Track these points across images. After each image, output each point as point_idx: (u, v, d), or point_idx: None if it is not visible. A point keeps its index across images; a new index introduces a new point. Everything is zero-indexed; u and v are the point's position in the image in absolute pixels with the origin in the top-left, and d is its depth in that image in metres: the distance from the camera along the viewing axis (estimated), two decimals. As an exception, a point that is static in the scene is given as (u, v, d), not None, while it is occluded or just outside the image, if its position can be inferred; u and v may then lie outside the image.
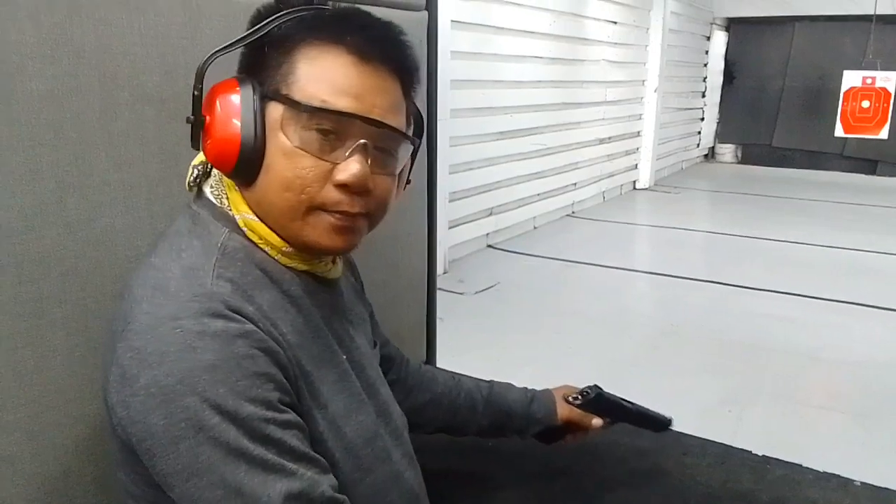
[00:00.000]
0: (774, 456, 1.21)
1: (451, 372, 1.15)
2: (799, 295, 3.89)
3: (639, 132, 7.20)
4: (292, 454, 0.63)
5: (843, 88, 5.50)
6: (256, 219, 0.73)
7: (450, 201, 4.39)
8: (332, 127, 0.69)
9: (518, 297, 3.96)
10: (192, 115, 0.73)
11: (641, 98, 7.11)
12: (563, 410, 1.11)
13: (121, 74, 0.89)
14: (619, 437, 1.23)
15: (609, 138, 6.53)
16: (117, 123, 0.89)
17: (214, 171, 0.77)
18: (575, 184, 6.06)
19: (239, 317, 0.65)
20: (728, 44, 9.33)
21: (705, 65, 8.92)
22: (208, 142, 0.72)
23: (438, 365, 1.67)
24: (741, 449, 1.23)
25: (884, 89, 5.33)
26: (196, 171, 0.77)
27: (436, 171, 1.58)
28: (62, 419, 0.89)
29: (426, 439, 1.03)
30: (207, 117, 0.72)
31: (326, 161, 0.70)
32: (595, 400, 1.08)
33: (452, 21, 4.04)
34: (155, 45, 0.93)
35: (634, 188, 7.33)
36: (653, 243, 5.61)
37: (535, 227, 5.53)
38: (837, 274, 4.37)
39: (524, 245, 5.04)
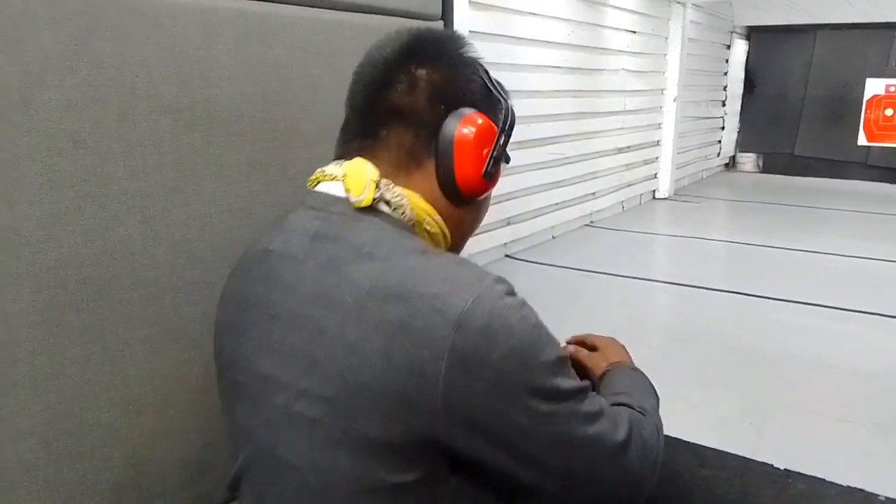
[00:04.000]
0: (796, 469, 1.18)
1: None
2: (820, 305, 3.83)
3: (658, 141, 7.15)
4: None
5: (866, 97, 5.42)
6: (441, 219, 0.87)
7: (467, 211, 4.37)
8: None
9: (536, 307, 3.87)
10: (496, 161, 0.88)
11: (661, 107, 7.07)
12: None
13: (139, 85, 0.90)
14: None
15: (628, 147, 6.49)
16: (135, 133, 0.91)
17: (391, 185, 0.82)
18: (594, 193, 6.02)
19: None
20: (748, 52, 9.26)
21: (725, 73, 8.85)
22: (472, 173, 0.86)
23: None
24: (761, 462, 1.21)
25: (908, 97, 5.25)
26: (382, 186, 0.81)
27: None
28: (78, 427, 0.90)
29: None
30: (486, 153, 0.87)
31: None
32: None
33: (470, 31, 4.05)
34: (172, 57, 0.94)
35: (654, 198, 7.27)
36: (672, 253, 5.56)
37: (553, 237, 5.50)
38: (859, 284, 4.29)
39: (542, 255, 5.01)
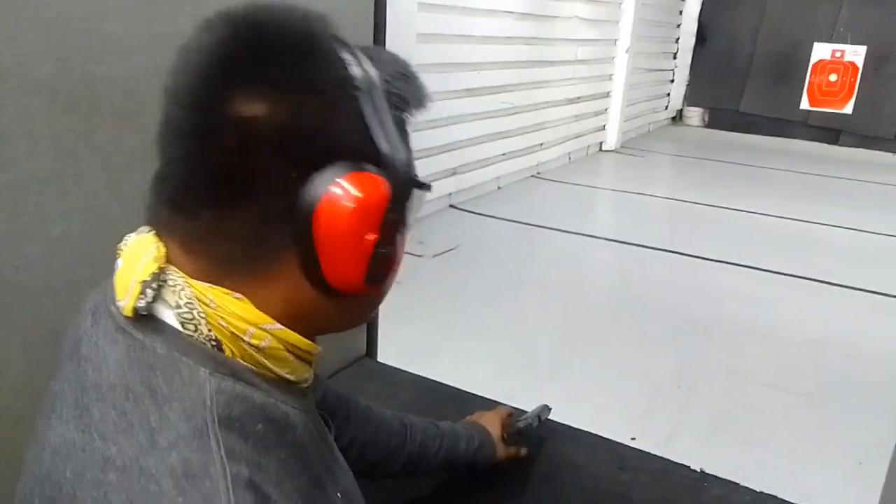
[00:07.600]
0: (712, 469, 1.19)
1: (399, 415, 1.04)
2: (756, 268, 3.93)
3: (608, 93, 7.10)
4: None
5: (812, 61, 5.45)
6: (281, 326, 0.55)
7: (411, 160, 4.27)
8: None
9: (477, 261, 3.91)
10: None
11: (613, 58, 6.99)
12: (500, 451, 1.12)
13: (5, 63, 0.78)
14: (554, 447, 1.20)
15: (578, 98, 6.43)
16: (1, 119, 0.79)
17: (181, 283, 0.53)
18: (541, 144, 5.97)
19: None
20: (703, 4, 9.19)
21: (678, 25, 8.80)
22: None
23: (380, 357, 1.61)
24: (679, 464, 1.21)
25: (852, 63, 5.29)
26: (150, 291, 0.52)
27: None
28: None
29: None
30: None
31: None
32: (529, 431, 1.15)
33: (419, -29, 3.87)
34: (48, 31, 0.82)
35: (601, 150, 7.27)
36: (615, 208, 5.60)
37: (498, 188, 5.45)
38: (796, 247, 4.41)
39: (486, 206, 4.97)
